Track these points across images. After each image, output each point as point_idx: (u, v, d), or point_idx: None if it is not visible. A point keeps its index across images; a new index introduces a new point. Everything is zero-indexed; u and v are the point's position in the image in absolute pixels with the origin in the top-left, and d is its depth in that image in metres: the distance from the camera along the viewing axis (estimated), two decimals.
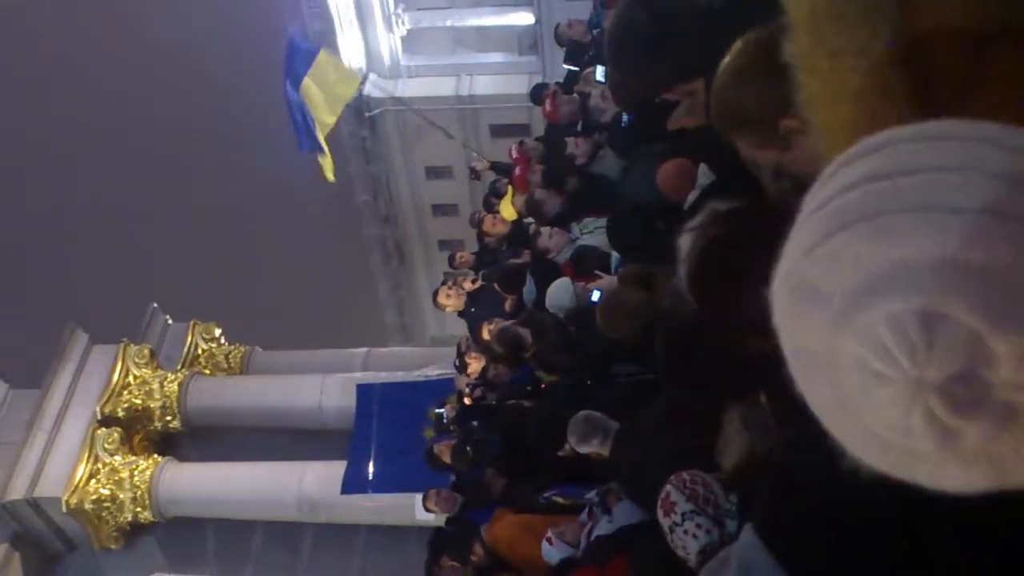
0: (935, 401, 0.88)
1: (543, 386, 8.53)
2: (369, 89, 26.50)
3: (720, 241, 2.39)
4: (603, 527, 5.77)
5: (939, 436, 0.90)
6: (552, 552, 6.14)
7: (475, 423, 9.71)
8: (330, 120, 14.49)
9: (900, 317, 0.87)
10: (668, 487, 3.98)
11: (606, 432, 5.78)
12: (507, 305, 10.18)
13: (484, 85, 26.15)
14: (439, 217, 27.76)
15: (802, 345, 1.02)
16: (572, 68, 11.94)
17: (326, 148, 14.73)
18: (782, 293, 1.02)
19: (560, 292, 8.40)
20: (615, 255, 7.92)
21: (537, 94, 12.61)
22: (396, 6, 25.94)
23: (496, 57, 26.97)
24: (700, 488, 3.91)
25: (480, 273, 11.92)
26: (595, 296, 6.80)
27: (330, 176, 15.33)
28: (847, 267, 0.91)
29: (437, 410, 10.95)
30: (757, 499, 2.27)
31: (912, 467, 0.96)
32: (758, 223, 2.35)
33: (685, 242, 2.84)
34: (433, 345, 20.61)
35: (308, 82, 13.93)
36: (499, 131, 24.90)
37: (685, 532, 3.84)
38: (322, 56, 14.45)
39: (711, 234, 2.46)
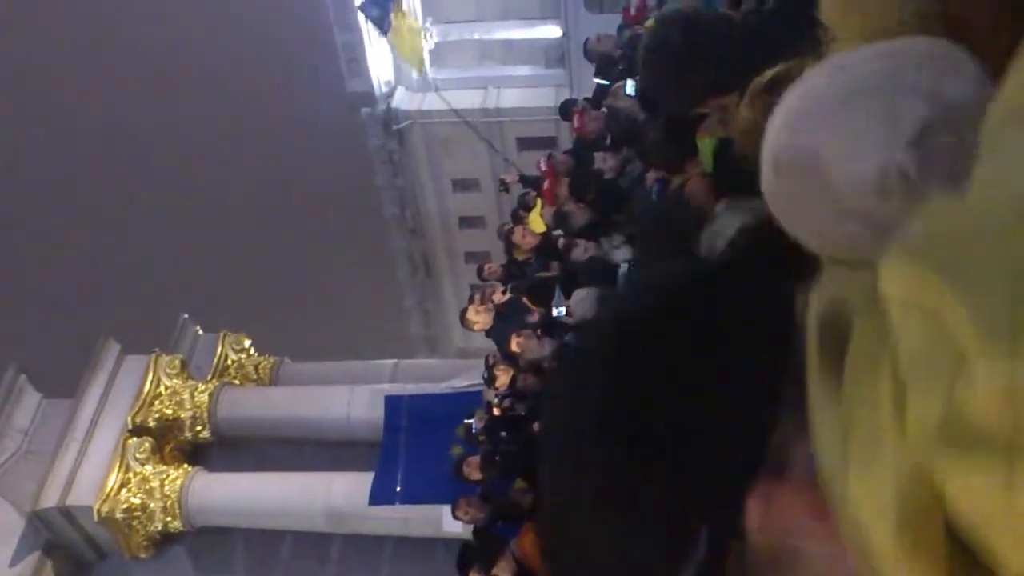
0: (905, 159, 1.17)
1: None
2: (397, 102, 26.65)
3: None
4: None
5: (908, 190, 1.18)
6: None
7: (504, 434, 9.74)
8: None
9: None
10: None
11: None
12: (535, 317, 10.24)
13: (511, 98, 26.26)
14: (465, 229, 27.84)
15: (791, 166, 1.30)
16: (602, 82, 11.97)
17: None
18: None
19: (584, 301, 8.47)
20: (621, 268, 7.97)
21: (566, 109, 12.67)
22: (424, 19, 26.08)
23: (523, 70, 27.07)
24: None
25: (509, 286, 11.95)
26: None
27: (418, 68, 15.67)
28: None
29: (466, 421, 10.97)
30: None
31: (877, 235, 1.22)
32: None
33: (709, 242, 2.88)
34: (460, 357, 20.65)
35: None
36: (526, 144, 24.99)
37: None
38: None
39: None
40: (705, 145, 5.38)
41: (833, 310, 1.24)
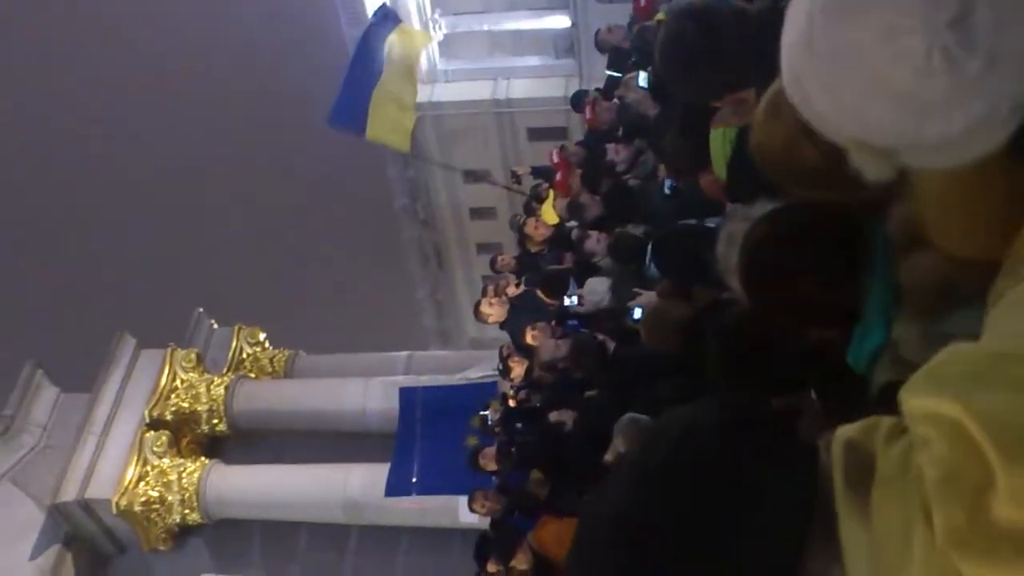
0: (948, 38, 1.22)
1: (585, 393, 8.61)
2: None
3: (770, 236, 2.43)
4: None
5: (952, 69, 1.23)
6: None
7: (519, 426, 9.78)
8: (412, 92, 14.54)
9: None
10: None
11: None
12: (550, 309, 10.28)
13: (521, 89, 26.22)
14: (477, 220, 27.84)
15: (833, 53, 1.33)
16: (614, 74, 11.97)
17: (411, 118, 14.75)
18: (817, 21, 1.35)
19: (598, 287, 8.52)
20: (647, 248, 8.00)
21: (578, 101, 12.69)
22: (433, 11, 26.07)
23: (533, 60, 27.02)
24: None
25: (523, 278, 11.98)
26: (636, 314, 6.85)
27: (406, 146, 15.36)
28: None
29: (482, 413, 11.03)
30: None
31: (925, 117, 1.28)
32: (805, 220, 2.43)
33: (724, 246, 2.90)
34: (473, 348, 20.69)
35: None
36: (537, 135, 24.98)
37: None
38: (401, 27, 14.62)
39: (761, 230, 2.50)
40: (718, 136, 5.38)
41: (856, 441, 1.32)
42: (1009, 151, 1.41)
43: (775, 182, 2.45)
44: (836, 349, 2.31)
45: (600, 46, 12.73)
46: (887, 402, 1.81)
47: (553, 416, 8.84)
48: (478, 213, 27.69)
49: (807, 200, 2.45)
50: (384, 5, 14.58)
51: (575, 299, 9.81)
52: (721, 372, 3.84)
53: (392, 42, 14.21)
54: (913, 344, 1.99)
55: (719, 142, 5.28)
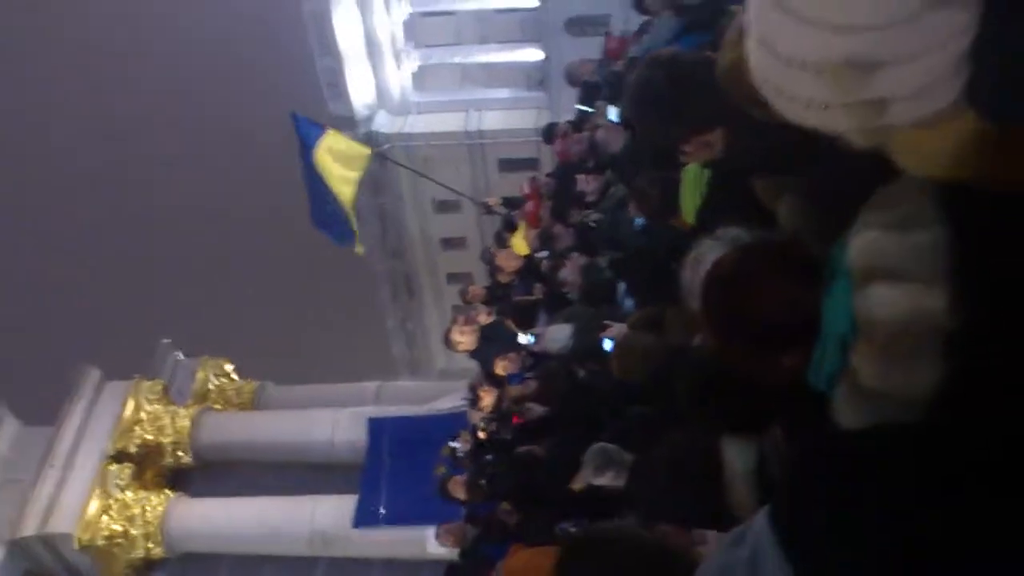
0: None
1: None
2: (378, 125, 26.71)
3: (733, 259, 2.42)
4: None
5: None
6: None
7: (489, 457, 9.72)
8: (348, 194, 14.48)
9: None
10: None
11: (621, 464, 5.83)
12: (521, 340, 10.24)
13: (492, 120, 26.36)
14: (448, 251, 27.89)
15: None
16: (584, 108, 12.05)
17: (353, 220, 14.66)
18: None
19: (559, 335, 8.53)
20: (621, 285, 8.02)
21: (549, 133, 12.72)
22: (406, 43, 26.21)
23: (504, 93, 27.21)
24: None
25: (494, 308, 11.96)
26: (607, 345, 6.87)
27: (359, 250, 15.33)
28: None
29: (451, 444, 10.96)
30: (775, 491, 2.32)
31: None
32: (769, 252, 2.42)
33: (690, 270, 2.93)
34: (442, 378, 20.66)
35: (322, 156, 13.98)
36: (507, 165, 25.11)
37: None
38: (330, 134, 14.53)
39: (725, 255, 2.48)
40: (691, 174, 5.47)
41: None
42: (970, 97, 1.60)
43: (740, 102, 2.50)
44: (799, 376, 2.27)
45: (571, 79, 12.80)
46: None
47: (522, 449, 8.81)
48: (449, 243, 27.76)
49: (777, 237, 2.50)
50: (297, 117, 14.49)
51: (533, 338, 9.80)
52: (688, 410, 3.91)
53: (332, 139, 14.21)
54: (868, 372, 1.99)
55: (692, 179, 5.40)
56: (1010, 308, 1.78)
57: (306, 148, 14.12)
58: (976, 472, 1.72)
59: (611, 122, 9.73)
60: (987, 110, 1.68)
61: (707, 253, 2.80)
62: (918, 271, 1.87)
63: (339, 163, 14.21)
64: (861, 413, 2.03)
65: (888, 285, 1.91)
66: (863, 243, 1.99)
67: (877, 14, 1.49)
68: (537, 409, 9.73)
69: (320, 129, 14.45)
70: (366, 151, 14.96)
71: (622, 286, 8.17)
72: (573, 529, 7.00)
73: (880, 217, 1.98)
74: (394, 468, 12.63)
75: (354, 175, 14.46)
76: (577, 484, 6.95)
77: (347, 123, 26.43)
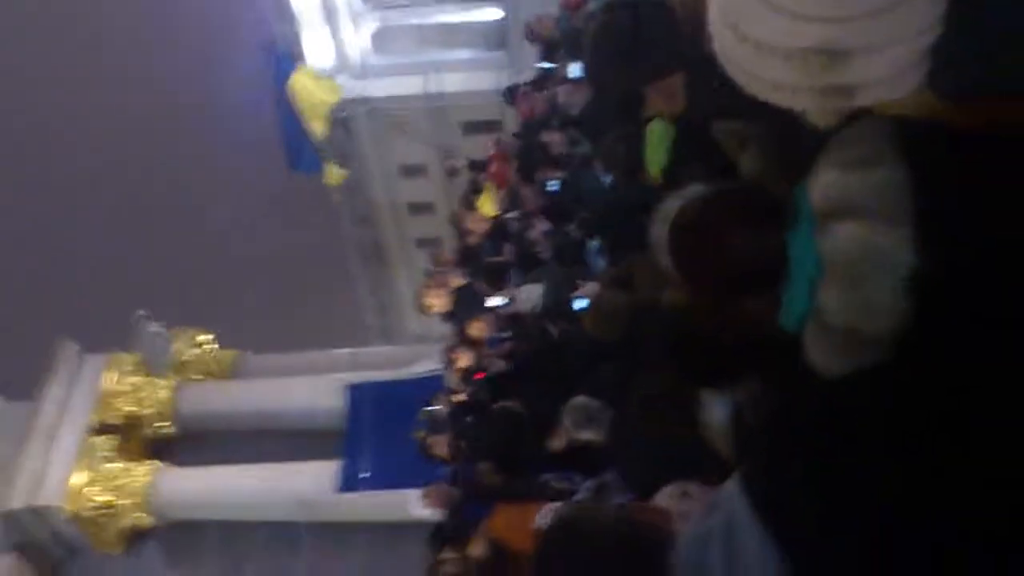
0: None
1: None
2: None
3: (698, 205, 2.50)
4: None
5: None
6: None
7: (468, 419, 9.93)
8: (319, 127, 14.65)
9: None
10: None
11: (600, 419, 6.05)
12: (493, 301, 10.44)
13: (453, 82, 26.20)
14: (415, 216, 27.82)
15: None
16: (545, 65, 12.14)
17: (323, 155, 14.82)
18: None
19: (531, 294, 8.75)
20: (592, 243, 8.22)
21: (510, 94, 12.82)
22: (363, 4, 25.97)
23: (464, 54, 27.02)
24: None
25: (465, 270, 12.13)
26: (579, 304, 7.05)
27: (336, 180, 15.53)
28: None
29: (429, 408, 11.15)
30: (745, 453, 2.44)
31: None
32: (732, 198, 2.53)
33: (658, 227, 3.08)
34: (417, 343, 20.80)
35: (295, 87, 14.10)
36: (470, 128, 25.04)
37: None
38: (302, 68, 14.62)
39: (689, 203, 2.57)
40: (656, 133, 5.59)
41: None
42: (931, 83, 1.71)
43: (695, 35, 2.62)
44: (770, 321, 2.35)
45: (530, 36, 12.83)
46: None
47: (498, 405, 9.03)
48: (416, 208, 27.67)
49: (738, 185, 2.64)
50: (274, 45, 14.53)
51: (505, 299, 10.01)
52: (662, 366, 4.06)
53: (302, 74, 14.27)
54: (834, 310, 2.05)
55: (657, 136, 5.49)
56: (969, 242, 1.83)
57: (279, 79, 14.21)
58: (947, 420, 1.74)
59: (573, 78, 9.86)
60: (948, 95, 1.79)
61: (673, 210, 2.80)
62: (878, 208, 1.91)
63: (310, 97, 14.37)
64: (830, 352, 2.08)
65: (849, 223, 1.96)
66: (824, 183, 2.04)
67: (848, 5, 1.56)
68: (499, 363, 10.00)
69: (292, 64, 14.59)
70: (336, 85, 15.10)
71: (592, 246, 8.36)
72: (555, 482, 7.26)
73: (840, 157, 2.01)
74: (375, 433, 12.78)
75: (325, 108, 14.64)
76: (556, 442, 7.21)
77: None
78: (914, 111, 1.88)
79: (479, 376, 9.95)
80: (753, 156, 3.13)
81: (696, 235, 2.43)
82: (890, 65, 1.66)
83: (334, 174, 15.22)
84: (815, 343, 2.13)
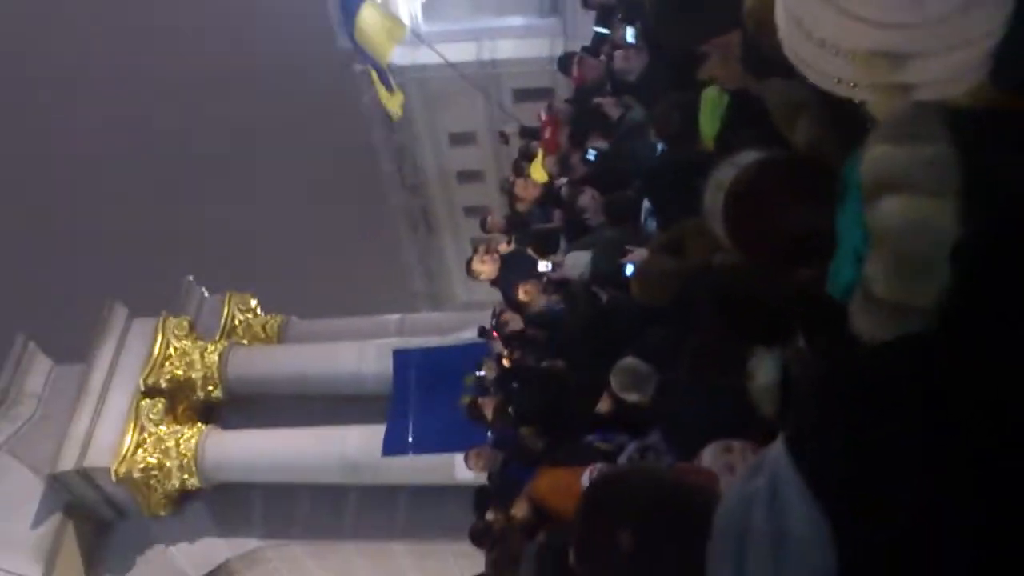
0: None
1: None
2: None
3: (752, 178, 2.51)
4: None
5: None
6: None
7: (515, 384, 9.86)
8: (386, 57, 14.79)
9: None
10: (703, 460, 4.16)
11: (648, 381, 5.96)
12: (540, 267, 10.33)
13: (506, 49, 26.07)
14: (464, 184, 27.79)
15: None
16: (601, 30, 11.95)
17: (394, 85, 14.99)
18: None
19: (579, 260, 8.62)
20: (645, 204, 8.06)
21: (565, 63, 12.64)
22: None
23: (517, 20, 26.88)
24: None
25: (513, 237, 12.03)
26: (628, 269, 6.94)
27: (398, 110, 15.71)
28: None
29: (478, 373, 11.11)
30: (791, 412, 2.41)
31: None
32: (785, 167, 2.54)
33: (711, 195, 3.01)
34: (464, 310, 20.77)
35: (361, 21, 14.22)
36: (523, 95, 24.88)
37: None
38: (368, 3, 14.79)
39: (743, 173, 2.58)
40: (710, 98, 5.50)
41: None
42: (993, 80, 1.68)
43: (768, 44, 2.56)
44: (819, 288, 2.38)
45: (585, 2, 12.67)
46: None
47: (544, 367, 8.97)
48: (465, 176, 27.64)
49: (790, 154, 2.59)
50: None
51: (550, 265, 9.91)
52: (712, 326, 3.99)
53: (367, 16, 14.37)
54: (881, 282, 2.08)
55: (711, 103, 5.42)
56: (1013, 217, 1.87)
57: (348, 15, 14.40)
58: (990, 392, 1.75)
59: (629, 44, 9.70)
60: (1009, 89, 1.80)
61: (726, 179, 2.86)
62: (926, 183, 1.94)
63: (377, 29, 14.52)
64: (875, 322, 2.12)
65: (898, 197, 1.98)
66: (874, 156, 2.06)
67: (915, 13, 1.57)
68: (516, 322, 9.91)
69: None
70: (402, 21, 15.31)
71: (647, 207, 8.21)
72: (599, 444, 7.17)
73: (891, 132, 2.04)
74: (421, 398, 12.81)
75: (392, 42, 14.83)
76: (603, 406, 7.11)
77: (357, 56, 26.23)
78: (972, 100, 1.91)
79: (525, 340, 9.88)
80: (806, 126, 3.11)
81: (750, 205, 2.47)
82: (953, 67, 1.68)
83: (395, 103, 15.30)
84: (861, 313, 2.17)
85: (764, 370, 3.79)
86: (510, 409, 9.39)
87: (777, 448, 1.94)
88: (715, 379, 4.31)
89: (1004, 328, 1.84)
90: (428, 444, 12.35)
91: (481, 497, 9.36)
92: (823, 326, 2.97)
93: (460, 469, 10.59)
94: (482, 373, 11.01)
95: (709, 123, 5.46)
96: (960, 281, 1.93)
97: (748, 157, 2.91)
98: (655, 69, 8.89)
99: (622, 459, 6.45)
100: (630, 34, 9.52)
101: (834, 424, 1.90)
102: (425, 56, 25.66)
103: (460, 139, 26.85)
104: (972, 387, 1.76)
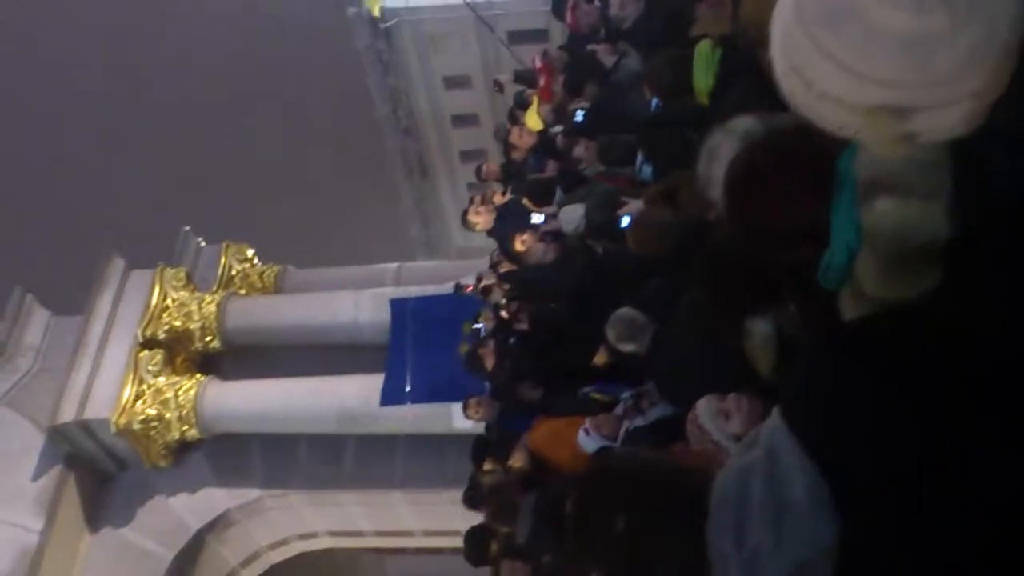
0: None
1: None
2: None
3: (747, 174, 2.50)
4: (639, 421, 6.05)
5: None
6: (588, 442, 6.40)
7: (511, 332, 9.88)
8: None
9: None
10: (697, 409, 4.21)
11: (644, 331, 5.99)
12: (538, 218, 10.31)
13: None
14: (459, 128, 27.65)
15: (825, 15, 1.54)
16: None
17: None
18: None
19: (573, 214, 8.62)
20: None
21: (559, 7, 12.50)
22: None
23: None
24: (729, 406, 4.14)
25: (509, 186, 11.98)
26: (624, 221, 6.95)
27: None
28: None
29: (474, 325, 11.12)
30: (785, 384, 2.46)
31: (931, 50, 1.49)
32: (782, 151, 2.48)
33: (705, 162, 2.99)
34: (460, 257, 20.77)
35: None
36: (517, 37, 24.69)
37: None
38: None
39: (746, 156, 2.57)
40: (703, 55, 5.49)
41: None
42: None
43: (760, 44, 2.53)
44: (811, 268, 2.40)
45: None
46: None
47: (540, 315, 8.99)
48: (460, 120, 27.51)
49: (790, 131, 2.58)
50: None
51: (542, 217, 9.88)
52: (704, 288, 4.02)
53: None
54: (870, 280, 2.10)
55: (704, 57, 5.44)
56: (1004, 221, 1.87)
57: None
58: (970, 380, 1.79)
59: None
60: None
61: (720, 147, 2.90)
62: (920, 186, 1.95)
63: None
64: (863, 314, 2.16)
65: (892, 199, 1.99)
66: (869, 157, 2.05)
67: (922, 72, 1.54)
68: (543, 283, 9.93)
69: None
70: None
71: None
72: (595, 394, 7.22)
73: None
74: (418, 347, 12.80)
75: None
76: (599, 358, 7.15)
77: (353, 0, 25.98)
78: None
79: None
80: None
81: (747, 196, 2.48)
82: (960, 117, 1.66)
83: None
84: (850, 305, 2.22)
85: (759, 323, 3.83)
86: (506, 358, 9.43)
87: (773, 419, 1.98)
88: (709, 338, 4.34)
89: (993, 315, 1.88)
90: (426, 394, 12.37)
91: (479, 446, 9.41)
92: (813, 298, 3.01)
93: (458, 418, 10.63)
94: (480, 325, 11.03)
95: (703, 78, 5.47)
96: (949, 282, 1.94)
97: (740, 124, 2.91)
98: (650, 16, 8.82)
99: (618, 409, 6.51)
100: None
101: (828, 389, 1.94)
102: None
103: (454, 82, 26.67)
104: (954, 380, 1.81)
